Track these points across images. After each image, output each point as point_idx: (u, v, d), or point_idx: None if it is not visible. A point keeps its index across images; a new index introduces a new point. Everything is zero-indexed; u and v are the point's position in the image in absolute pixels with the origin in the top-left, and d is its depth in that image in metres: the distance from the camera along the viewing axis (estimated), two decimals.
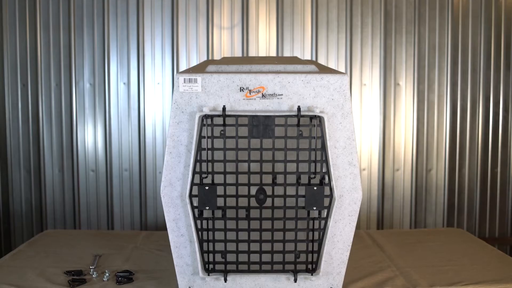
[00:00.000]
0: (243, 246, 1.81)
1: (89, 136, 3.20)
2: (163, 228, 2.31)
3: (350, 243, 1.83)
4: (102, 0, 3.14)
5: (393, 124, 3.25)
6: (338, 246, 1.82)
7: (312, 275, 1.82)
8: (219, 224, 1.79)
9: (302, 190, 1.74)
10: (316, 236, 1.80)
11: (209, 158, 1.73)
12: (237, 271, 1.83)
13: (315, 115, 1.71)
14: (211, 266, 1.82)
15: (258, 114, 1.71)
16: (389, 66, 3.23)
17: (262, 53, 3.22)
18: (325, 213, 1.78)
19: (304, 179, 1.76)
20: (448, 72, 3.26)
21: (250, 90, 1.72)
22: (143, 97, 3.19)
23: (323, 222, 1.78)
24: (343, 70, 3.21)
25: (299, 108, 1.70)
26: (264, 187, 1.76)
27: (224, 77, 1.72)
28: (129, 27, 3.17)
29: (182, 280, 1.86)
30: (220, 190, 1.74)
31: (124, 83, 3.18)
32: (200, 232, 1.78)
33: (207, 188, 1.72)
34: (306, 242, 1.80)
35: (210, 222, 1.79)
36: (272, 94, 1.72)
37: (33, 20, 3.16)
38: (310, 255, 1.81)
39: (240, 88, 1.72)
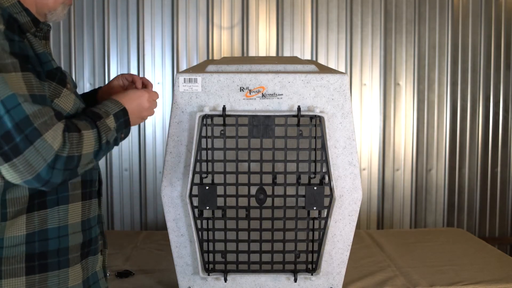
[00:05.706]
0: (243, 246, 1.80)
1: None
2: (163, 228, 2.31)
3: (350, 243, 1.83)
4: (102, 0, 3.14)
5: (393, 124, 3.25)
6: (338, 246, 1.82)
7: (312, 275, 1.82)
8: (219, 224, 1.79)
9: (302, 190, 1.74)
10: (316, 236, 1.80)
11: (209, 158, 1.73)
12: (237, 271, 1.82)
13: (315, 115, 1.71)
14: (211, 266, 1.82)
15: (258, 114, 1.71)
16: (389, 66, 3.23)
17: (262, 53, 3.21)
18: (325, 213, 1.78)
19: (304, 179, 1.76)
20: (448, 72, 3.26)
21: (250, 90, 1.72)
22: None
23: (323, 222, 1.78)
24: (343, 70, 3.21)
25: (299, 108, 1.70)
26: (264, 187, 1.76)
27: (224, 77, 1.71)
28: (129, 27, 3.17)
29: (182, 280, 1.86)
30: (220, 190, 1.74)
31: None
32: (200, 232, 1.78)
33: (207, 188, 1.72)
34: (306, 242, 1.80)
35: (210, 222, 1.79)
36: (272, 94, 1.72)
37: None
38: (310, 255, 1.81)
39: (240, 88, 1.72)
